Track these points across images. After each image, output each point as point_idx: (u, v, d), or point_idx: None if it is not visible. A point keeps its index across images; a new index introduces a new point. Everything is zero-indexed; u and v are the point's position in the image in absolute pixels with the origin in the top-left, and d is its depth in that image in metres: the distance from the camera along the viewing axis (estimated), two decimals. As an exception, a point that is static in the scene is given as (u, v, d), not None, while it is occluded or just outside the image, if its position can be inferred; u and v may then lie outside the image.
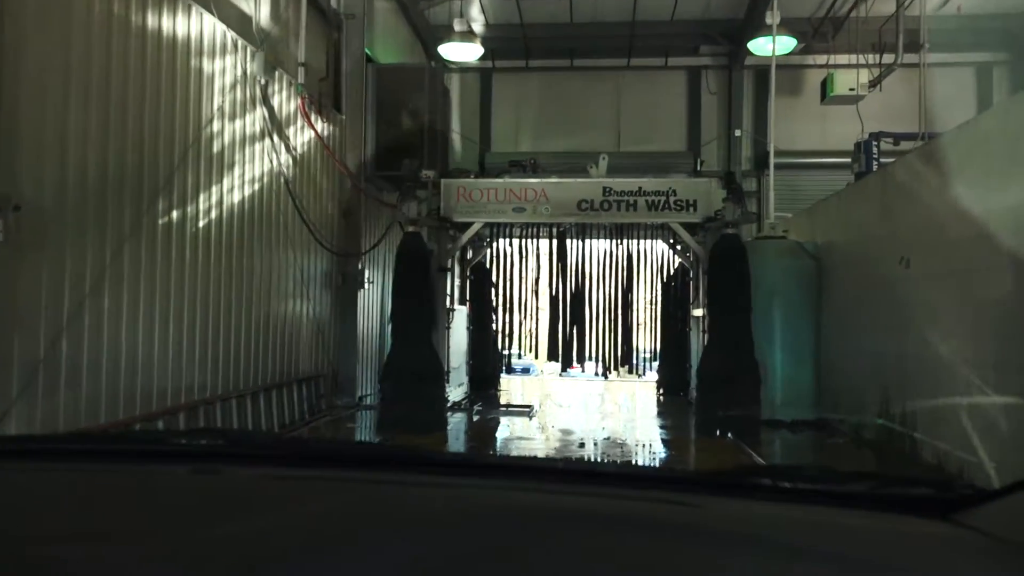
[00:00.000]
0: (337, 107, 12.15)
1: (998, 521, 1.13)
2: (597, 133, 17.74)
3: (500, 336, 13.99)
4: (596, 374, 13.09)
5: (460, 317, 13.29)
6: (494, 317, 13.57)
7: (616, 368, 13.02)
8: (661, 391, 14.16)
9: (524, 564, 0.99)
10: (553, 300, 13.04)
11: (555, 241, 12.95)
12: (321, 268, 11.62)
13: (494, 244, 12.91)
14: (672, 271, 13.21)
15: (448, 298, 12.18)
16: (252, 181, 9.23)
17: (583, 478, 1.43)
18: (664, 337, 13.54)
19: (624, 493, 1.31)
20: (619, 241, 12.94)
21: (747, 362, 9.81)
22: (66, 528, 1.09)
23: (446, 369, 11.91)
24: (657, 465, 8.53)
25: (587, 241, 13.10)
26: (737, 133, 18.05)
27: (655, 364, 15.01)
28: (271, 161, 9.71)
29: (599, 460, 8.26)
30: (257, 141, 9.37)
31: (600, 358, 13.16)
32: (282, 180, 9.96)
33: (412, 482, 1.35)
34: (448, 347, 12.12)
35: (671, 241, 12.81)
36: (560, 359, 12.98)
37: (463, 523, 1.14)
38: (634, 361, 13.15)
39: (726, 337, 9.88)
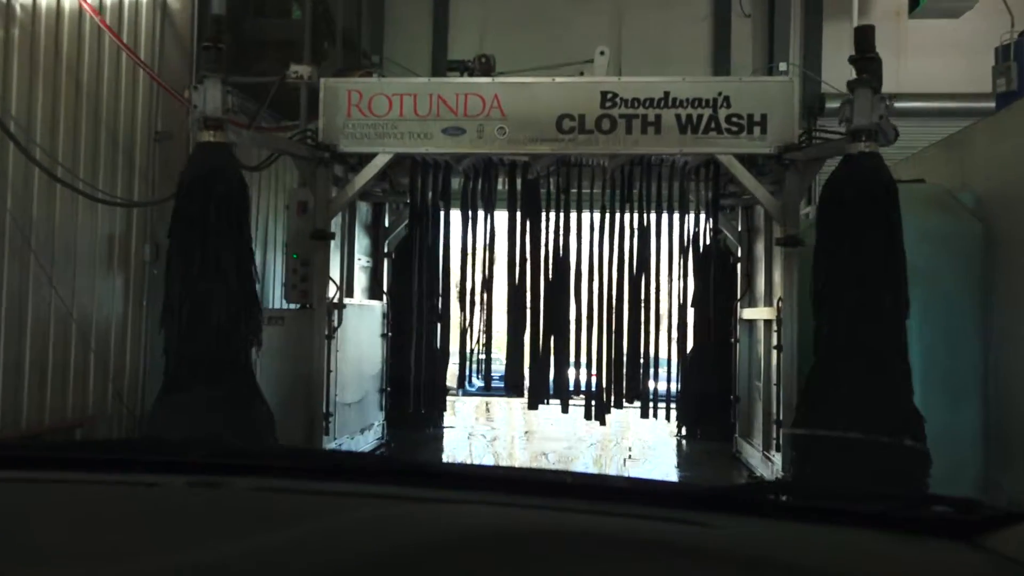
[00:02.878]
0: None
1: None
2: (587, 70, 12.70)
3: (447, 340, 8.87)
4: (589, 413, 7.98)
5: (366, 317, 8.18)
6: (437, 317, 8.35)
7: (620, 403, 7.98)
8: (682, 432, 9.09)
9: None
10: (514, 293, 7.94)
11: (519, 192, 7.87)
12: (102, 232, 6.55)
13: (425, 202, 7.80)
14: (705, 249, 8.14)
15: (335, 286, 7.07)
16: None
17: (591, 493, 1.38)
18: (692, 352, 8.38)
19: (632, 511, 1.28)
20: (626, 197, 7.90)
21: (901, 409, 4.78)
22: (54, 545, 1.08)
23: (326, 408, 6.86)
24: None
25: (573, 197, 8.01)
26: (782, 67, 12.98)
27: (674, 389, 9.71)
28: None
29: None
30: None
31: (594, 387, 8.08)
32: None
33: (417, 496, 1.32)
34: (333, 365, 7.02)
35: (710, 197, 7.76)
36: (527, 389, 7.91)
37: (466, 542, 1.12)
38: (650, 392, 8.06)
39: (856, 357, 4.85)
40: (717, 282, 8.29)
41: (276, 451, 2.37)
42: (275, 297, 8.60)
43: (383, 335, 8.53)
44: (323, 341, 6.79)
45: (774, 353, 7.11)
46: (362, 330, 8.02)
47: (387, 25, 12.98)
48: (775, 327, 6.97)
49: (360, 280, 8.36)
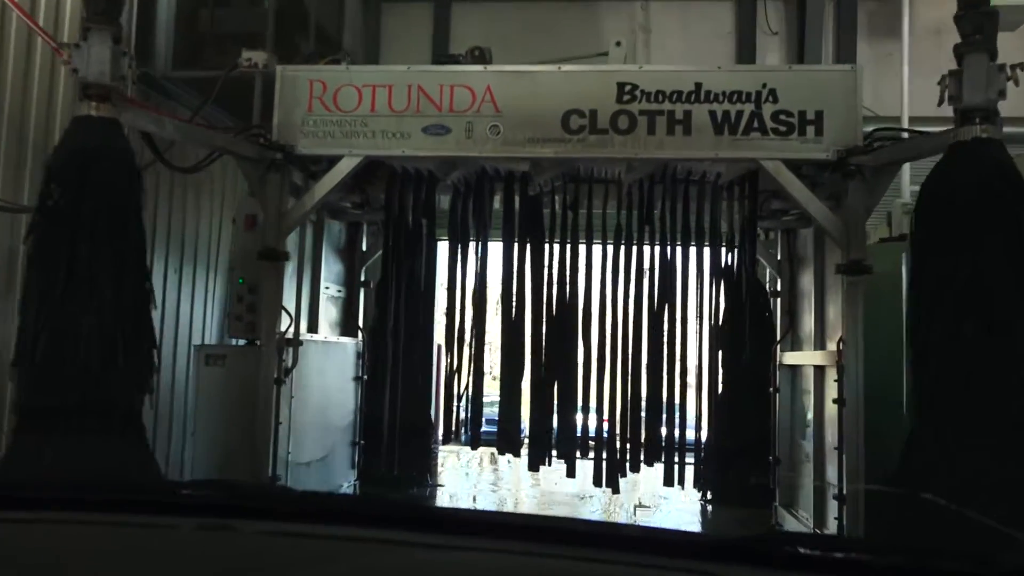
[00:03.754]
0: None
1: None
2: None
3: (434, 384, 7.54)
4: (600, 477, 6.56)
5: (335, 357, 6.87)
6: (423, 357, 6.99)
7: (637, 465, 6.58)
8: (707, 495, 7.64)
9: None
10: (511, 333, 6.60)
11: (518, 212, 6.59)
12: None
13: (403, 220, 6.50)
14: (737, 281, 6.77)
15: (288, 317, 5.77)
16: None
17: (602, 541, 1.37)
18: (720, 400, 6.97)
19: (644, 560, 1.27)
20: (645, 219, 6.59)
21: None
22: None
23: (273, 469, 5.51)
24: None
25: (582, 219, 6.72)
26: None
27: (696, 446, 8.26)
28: None
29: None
30: None
31: (605, 447, 6.68)
32: None
33: (424, 543, 1.31)
34: (287, 414, 5.72)
35: (745, 216, 6.45)
36: (525, 447, 6.52)
37: None
38: (674, 453, 6.63)
39: (986, 412, 3.47)
40: (752, 320, 6.93)
41: (289, 494, 2.23)
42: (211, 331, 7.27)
43: (357, 378, 7.20)
44: (271, 385, 5.47)
45: (829, 406, 5.75)
46: (329, 372, 6.70)
47: (383, 37, 11.89)
48: (832, 375, 5.61)
49: (329, 312, 7.07)
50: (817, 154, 5.30)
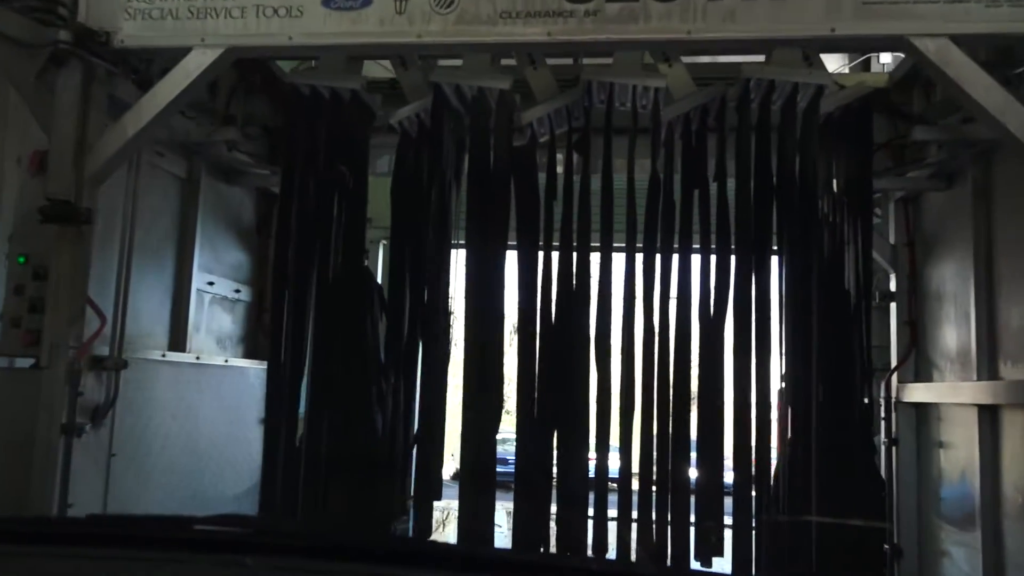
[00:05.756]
0: None
1: None
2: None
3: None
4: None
5: (221, 387, 4.51)
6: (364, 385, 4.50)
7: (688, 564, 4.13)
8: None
9: None
10: (476, 361, 4.12)
11: (497, 169, 4.19)
12: None
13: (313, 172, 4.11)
14: (836, 275, 4.31)
15: (102, 322, 3.42)
16: None
17: None
18: (789, 449, 4.38)
19: None
20: (694, 181, 4.17)
21: None
22: None
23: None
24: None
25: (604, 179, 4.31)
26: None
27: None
28: None
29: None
30: None
31: (650, 538, 4.13)
32: None
33: None
34: (102, 484, 3.35)
35: (856, 162, 4.05)
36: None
37: None
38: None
39: None
40: (846, 335, 4.45)
41: (309, 531, 1.97)
42: None
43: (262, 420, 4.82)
44: (57, 435, 3.14)
45: (1010, 466, 3.33)
46: (210, 413, 4.35)
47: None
48: (1018, 418, 3.19)
49: (218, 321, 4.72)
50: (1018, 27, 2.93)
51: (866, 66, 5.59)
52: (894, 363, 4.72)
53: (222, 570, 1.31)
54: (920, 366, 4.62)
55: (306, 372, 4.05)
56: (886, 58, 5.51)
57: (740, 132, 4.02)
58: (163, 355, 3.98)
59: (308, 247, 4.00)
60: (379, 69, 5.07)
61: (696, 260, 4.12)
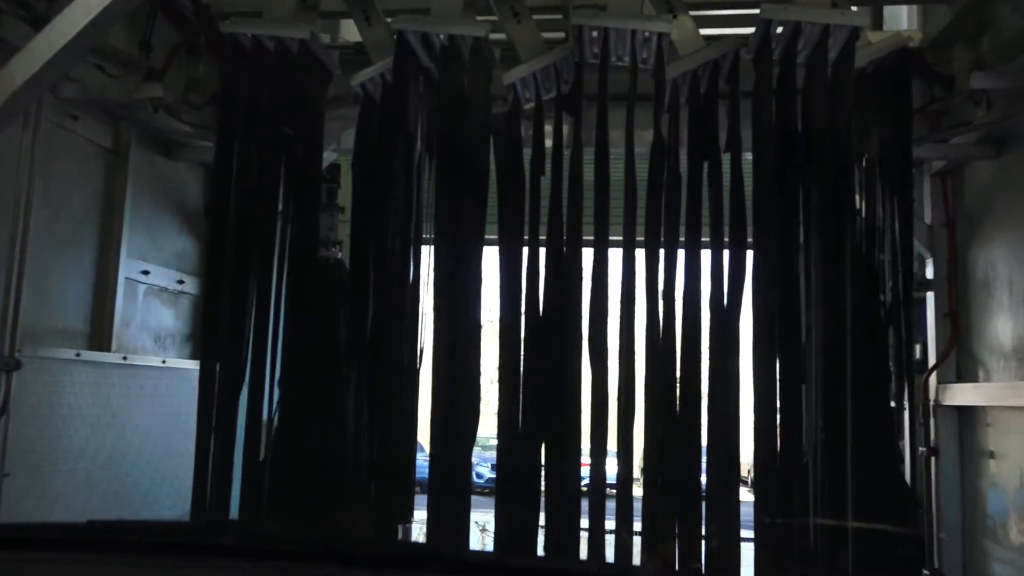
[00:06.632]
0: None
1: None
2: None
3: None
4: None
5: (151, 392, 3.90)
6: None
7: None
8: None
9: None
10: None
11: (471, 141, 3.57)
12: None
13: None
14: (867, 256, 3.69)
15: None
16: None
17: None
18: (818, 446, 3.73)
19: None
20: (702, 151, 3.60)
21: None
22: None
23: None
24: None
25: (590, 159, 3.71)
26: None
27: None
28: None
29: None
30: None
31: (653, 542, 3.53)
32: None
33: None
34: None
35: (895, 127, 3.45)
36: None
37: None
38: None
39: None
40: (872, 329, 3.83)
41: (298, 538, 1.86)
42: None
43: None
44: None
45: None
46: (141, 419, 3.74)
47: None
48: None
49: (152, 315, 4.10)
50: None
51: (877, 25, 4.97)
52: (932, 361, 4.13)
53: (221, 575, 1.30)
54: (963, 364, 4.02)
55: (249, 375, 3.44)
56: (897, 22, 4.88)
57: (759, 89, 3.41)
58: (78, 354, 3.36)
59: (248, 229, 3.38)
60: (345, 31, 4.48)
61: (703, 252, 3.56)
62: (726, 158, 3.66)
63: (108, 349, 3.63)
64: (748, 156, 3.60)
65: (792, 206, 3.40)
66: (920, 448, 4.10)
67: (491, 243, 3.68)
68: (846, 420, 3.28)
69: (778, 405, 3.26)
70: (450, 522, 3.38)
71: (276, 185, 3.45)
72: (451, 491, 3.42)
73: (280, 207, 3.49)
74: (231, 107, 3.43)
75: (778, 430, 3.28)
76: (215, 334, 3.29)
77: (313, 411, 3.52)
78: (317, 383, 3.55)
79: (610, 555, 3.58)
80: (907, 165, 3.50)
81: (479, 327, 3.53)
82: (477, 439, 3.69)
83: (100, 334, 3.61)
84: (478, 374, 3.46)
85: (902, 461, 4.06)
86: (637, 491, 3.51)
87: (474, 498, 3.60)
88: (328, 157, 4.57)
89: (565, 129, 3.81)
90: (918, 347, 4.29)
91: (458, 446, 3.44)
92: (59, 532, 1.54)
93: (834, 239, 3.26)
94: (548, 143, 3.75)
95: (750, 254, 3.50)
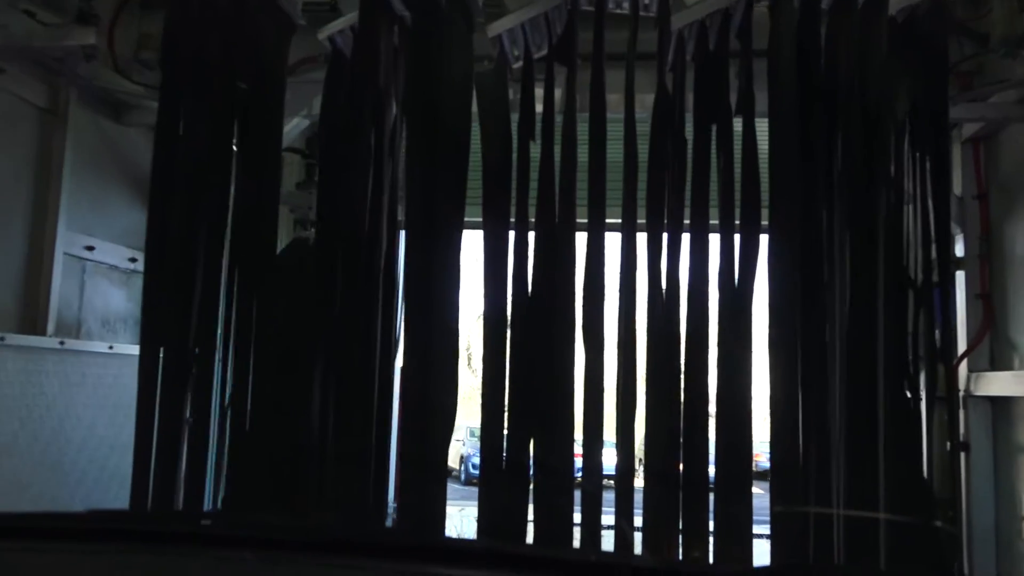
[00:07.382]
0: None
1: None
2: None
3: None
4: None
5: (94, 381, 3.49)
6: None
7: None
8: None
9: None
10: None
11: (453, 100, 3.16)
12: None
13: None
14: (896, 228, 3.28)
15: None
16: None
17: (615, 573, 1.28)
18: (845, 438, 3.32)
19: None
20: (709, 114, 3.21)
21: None
22: None
23: None
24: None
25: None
26: None
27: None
28: None
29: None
30: None
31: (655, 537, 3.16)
32: None
33: (424, 574, 1.24)
34: None
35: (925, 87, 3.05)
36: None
37: None
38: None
39: None
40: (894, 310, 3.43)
41: (303, 528, 1.83)
42: None
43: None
44: None
45: None
46: (83, 410, 3.35)
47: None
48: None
49: (99, 295, 3.70)
50: None
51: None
52: (962, 347, 3.74)
53: (222, 564, 1.25)
54: (998, 350, 3.63)
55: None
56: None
57: (775, 40, 3.01)
58: (2, 338, 2.96)
59: (195, 199, 2.97)
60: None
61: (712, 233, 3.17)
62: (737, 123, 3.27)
63: (43, 332, 3.23)
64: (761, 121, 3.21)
65: (814, 175, 3.01)
66: (947, 442, 3.72)
67: (473, 225, 3.29)
68: (875, 414, 2.90)
69: (799, 399, 2.87)
70: (424, 512, 3.01)
71: (228, 149, 3.05)
72: (425, 481, 3.05)
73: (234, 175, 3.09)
74: (176, 58, 3.01)
75: (799, 426, 2.89)
76: (156, 317, 2.88)
77: (282, 400, 3.14)
78: (284, 372, 3.16)
79: (609, 548, 3.26)
80: (943, 124, 3.10)
81: (457, 320, 3.13)
82: (473, 430, 3.34)
83: (34, 315, 3.21)
84: (456, 364, 3.06)
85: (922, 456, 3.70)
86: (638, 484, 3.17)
87: (469, 488, 3.25)
88: (299, 125, 4.18)
89: (558, 92, 3.42)
90: (940, 332, 3.92)
91: (435, 435, 3.05)
92: (59, 521, 1.49)
93: (867, 213, 2.87)
94: (539, 108, 3.36)
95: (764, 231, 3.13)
